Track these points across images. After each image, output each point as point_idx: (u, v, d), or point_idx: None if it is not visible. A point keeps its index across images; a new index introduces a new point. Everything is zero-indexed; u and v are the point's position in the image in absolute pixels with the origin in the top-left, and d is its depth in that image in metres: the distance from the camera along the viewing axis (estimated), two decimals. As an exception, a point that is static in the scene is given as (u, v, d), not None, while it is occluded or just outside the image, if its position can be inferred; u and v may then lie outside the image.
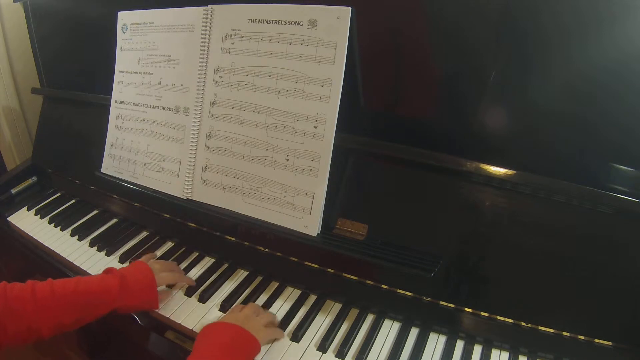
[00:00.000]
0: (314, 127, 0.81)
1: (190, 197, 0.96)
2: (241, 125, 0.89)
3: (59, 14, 1.26)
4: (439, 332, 0.78)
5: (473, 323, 0.76)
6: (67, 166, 1.26)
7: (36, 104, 1.42)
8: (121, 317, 0.87)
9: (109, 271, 0.79)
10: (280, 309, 0.84)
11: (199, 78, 0.94)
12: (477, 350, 0.75)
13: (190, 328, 0.81)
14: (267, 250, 0.90)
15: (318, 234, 0.82)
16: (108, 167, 1.11)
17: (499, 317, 0.74)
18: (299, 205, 0.83)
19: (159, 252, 1.01)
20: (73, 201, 1.22)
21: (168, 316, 0.83)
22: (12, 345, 0.67)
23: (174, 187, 0.98)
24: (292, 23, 0.82)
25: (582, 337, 0.70)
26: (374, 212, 0.83)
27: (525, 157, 0.74)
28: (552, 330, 0.71)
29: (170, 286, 0.90)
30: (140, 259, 0.90)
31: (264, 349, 0.75)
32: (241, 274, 0.94)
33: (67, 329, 0.71)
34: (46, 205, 1.21)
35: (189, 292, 0.88)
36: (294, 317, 0.82)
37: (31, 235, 1.10)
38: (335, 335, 0.78)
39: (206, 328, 0.72)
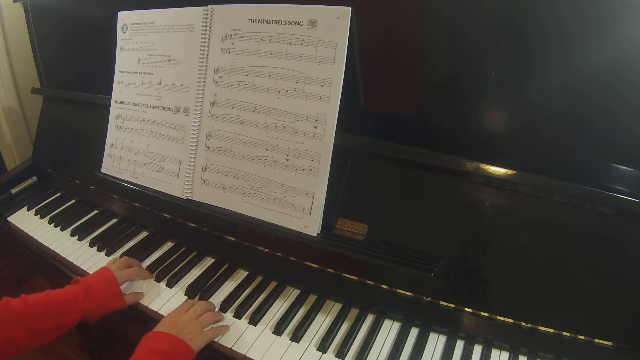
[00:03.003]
0: (314, 127, 0.81)
1: (190, 197, 0.96)
2: (241, 125, 0.89)
3: (59, 14, 1.26)
4: (439, 332, 0.78)
5: (473, 323, 0.76)
6: (67, 166, 1.26)
7: (36, 104, 1.43)
8: (121, 318, 0.87)
9: (75, 281, 0.84)
10: (280, 308, 0.84)
11: (199, 78, 0.94)
12: (477, 350, 0.75)
13: (190, 328, 0.81)
14: (267, 250, 0.90)
15: (318, 234, 0.82)
16: (108, 167, 1.11)
17: (499, 317, 0.74)
18: (299, 205, 0.83)
19: (159, 252, 1.01)
20: (73, 201, 1.23)
21: (168, 316, 0.83)
22: None
23: (174, 187, 0.98)
24: (292, 23, 0.82)
25: (582, 337, 0.70)
26: (374, 212, 0.83)
27: (525, 157, 0.74)
28: (552, 330, 0.71)
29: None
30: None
31: (264, 350, 0.76)
32: (241, 274, 0.94)
33: (42, 339, 0.75)
34: (46, 205, 1.21)
35: (189, 293, 0.88)
36: (293, 317, 0.82)
37: (31, 235, 1.10)
38: (335, 335, 0.78)
39: (146, 336, 0.75)
